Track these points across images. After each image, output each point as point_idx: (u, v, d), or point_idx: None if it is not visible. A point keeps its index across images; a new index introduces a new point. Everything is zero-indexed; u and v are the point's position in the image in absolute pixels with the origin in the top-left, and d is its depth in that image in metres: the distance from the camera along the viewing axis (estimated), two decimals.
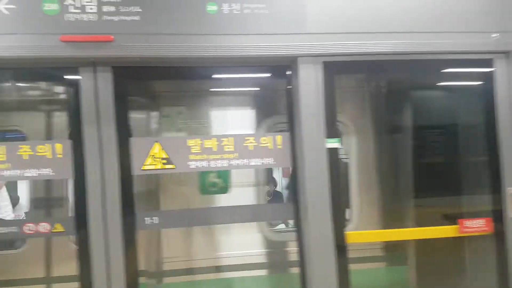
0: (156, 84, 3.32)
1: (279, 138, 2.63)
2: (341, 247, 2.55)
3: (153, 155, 2.52)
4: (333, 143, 2.57)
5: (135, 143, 2.51)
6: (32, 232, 2.44)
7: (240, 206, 2.77)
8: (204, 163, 2.55)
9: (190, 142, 2.55)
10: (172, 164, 2.53)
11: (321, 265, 2.50)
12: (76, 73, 2.43)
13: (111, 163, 2.44)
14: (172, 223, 2.67)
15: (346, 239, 2.59)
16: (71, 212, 2.47)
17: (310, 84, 2.52)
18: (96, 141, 2.43)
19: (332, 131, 2.58)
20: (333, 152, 2.58)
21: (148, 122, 3.32)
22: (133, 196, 2.53)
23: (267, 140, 2.62)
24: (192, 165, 2.54)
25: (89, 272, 2.40)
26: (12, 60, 2.29)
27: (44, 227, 2.45)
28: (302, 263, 2.61)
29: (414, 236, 2.85)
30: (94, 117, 2.43)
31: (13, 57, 2.25)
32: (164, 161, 2.53)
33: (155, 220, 2.54)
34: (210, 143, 2.56)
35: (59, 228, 2.47)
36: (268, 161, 2.63)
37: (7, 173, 2.40)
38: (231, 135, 2.60)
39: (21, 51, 2.25)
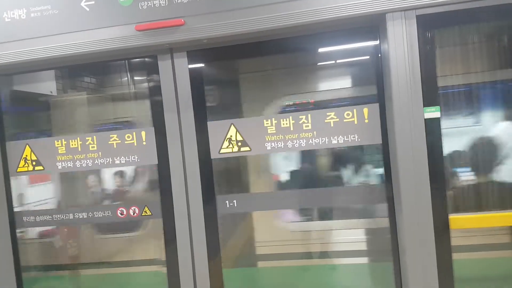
0: (237, 65, 3.22)
1: (365, 111, 2.30)
2: (443, 233, 2.13)
3: (229, 138, 2.44)
4: (432, 113, 2.13)
5: (212, 127, 2.45)
6: (123, 215, 2.61)
7: (325, 188, 2.54)
8: (280, 144, 2.37)
9: (266, 122, 2.39)
10: (247, 146, 2.41)
11: (419, 254, 2.13)
12: (155, 60, 2.46)
13: (190, 147, 2.44)
14: (253, 206, 2.57)
15: (449, 224, 2.15)
16: (158, 197, 2.54)
17: (401, 45, 2.11)
18: (177, 127, 2.44)
19: (432, 98, 2.13)
20: (433, 123, 2.14)
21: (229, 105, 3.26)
22: (213, 180, 2.50)
23: (351, 114, 2.31)
24: (269, 146, 2.39)
25: (175, 254, 2.47)
26: (94, 54, 2.41)
27: (134, 211, 2.59)
28: (396, 252, 2.27)
29: None
30: (174, 103, 2.44)
31: (95, 51, 2.37)
32: (240, 143, 2.42)
33: (235, 203, 2.47)
34: (286, 122, 2.37)
35: (147, 211, 2.58)
36: (353, 138, 2.32)
37: (98, 161, 2.59)
38: (309, 112, 2.36)
39: (102, 44, 2.34)
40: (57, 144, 2.61)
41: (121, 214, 2.60)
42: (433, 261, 2.13)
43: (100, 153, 2.57)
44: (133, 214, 2.59)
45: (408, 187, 2.14)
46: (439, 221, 2.13)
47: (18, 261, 2.74)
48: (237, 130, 2.42)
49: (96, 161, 2.57)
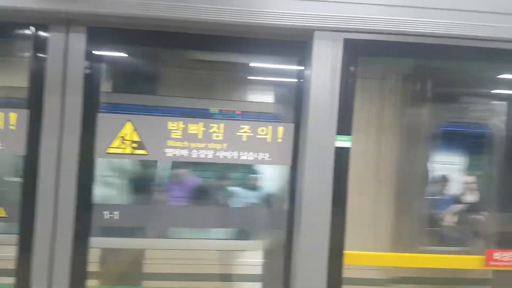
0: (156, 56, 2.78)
1: (280, 129, 2.14)
2: (336, 267, 2.07)
3: (122, 136, 2.04)
4: (344, 142, 2.07)
5: (103, 120, 2.03)
6: None
7: (219, 207, 2.31)
8: (184, 152, 2.07)
9: (171, 125, 2.07)
10: (144, 149, 2.05)
11: (309, 282, 2.03)
12: (45, 30, 1.96)
13: (71, 141, 1.98)
14: (135, 220, 2.20)
15: (343, 259, 2.10)
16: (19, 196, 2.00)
17: (325, 66, 2.02)
18: (58, 114, 1.96)
19: (346, 127, 2.08)
20: (342, 152, 2.08)
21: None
22: (92, 184, 2.06)
23: (265, 131, 2.13)
24: (169, 153, 2.06)
25: (28, 268, 1.95)
26: None
27: None
28: (287, 277, 2.15)
29: (429, 263, 2.35)
30: (60, 85, 1.96)
31: None
32: (135, 144, 2.05)
33: (117, 215, 2.07)
34: (195, 128, 2.08)
35: (1, 212, 2.01)
36: (263, 156, 2.14)
37: None
38: (222, 120, 2.12)
39: None
40: None
41: None
42: None
43: None
44: None
45: (309, 214, 2.04)
46: (334, 255, 2.06)
47: None
48: (134, 129, 2.05)
49: None
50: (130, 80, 2.38)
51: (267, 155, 2.13)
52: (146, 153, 2.06)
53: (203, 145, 2.07)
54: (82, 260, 2.04)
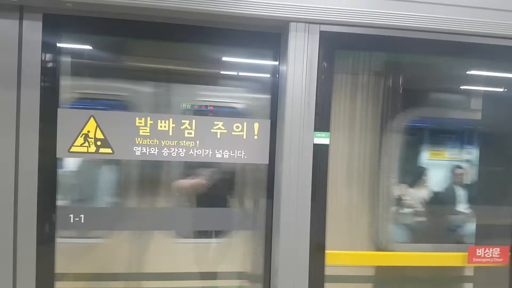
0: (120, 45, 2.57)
1: (256, 125, 2.05)
2: (317, 268, 2.01)
3: (86, 134, 1.89)
4: (322, 138, 2.00)
5: (64, 115, 1.87)
6: None
7: (186, 209, 2.20)
8: (153, 151, 1.94)
9: (139, 121, 1.93)
10: (110, 147, 1.90)
11: (289, 283, 1.95)
12: None
13: (29, 140, 1.81)
14: (107, 224, 2.04)
15: (324, 259, 2.04)
16: None
17: (301, 60, 1.93)
18: (13, 109, 1.78)
19: (324, 123, 2.01)
20: (321, 149, 2.01)
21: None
22: (55, 186, 1.90)
23: (240, 127, 2.03)
24: (138, 151, 1.92)
25: None
26: None
27: None
28: (267, 279, 2.07)
29: (412, 261, 2.32)
30: (14, 77, 1.78)
31: None
32: (99, 142, 1.90)
33: (82, 218, 1.92)
34: (164, 125, 1.95)
35: None
36: (239, 154, 2.04)
37: None
38: (194, 116, 2.00)
39: None
40: None
41: None
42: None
43: None
44: None
45: (288, 213, 1.95)
46: (315, 254, 1.99)
47: None
48: (98, 125, 1.89)
49: None
50: (92, 72, 2.19)
51: (243, 152, 2.03)
52: (111, 151, 1.91)
53: (174, 142, 1.95)
54: (48, 263, 1.88)
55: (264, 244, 2.11)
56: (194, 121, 1.97)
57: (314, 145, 1.98)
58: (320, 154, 2.00)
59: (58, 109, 1.86)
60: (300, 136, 1.95)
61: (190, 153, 1.96)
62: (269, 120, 2.06)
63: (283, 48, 2.00)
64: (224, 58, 2.34)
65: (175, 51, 2.36)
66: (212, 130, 1.99)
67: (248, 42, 2.08)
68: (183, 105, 2.20)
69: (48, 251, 1.87)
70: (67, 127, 1.86)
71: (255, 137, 2.04)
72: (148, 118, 1.93)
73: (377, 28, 1.95)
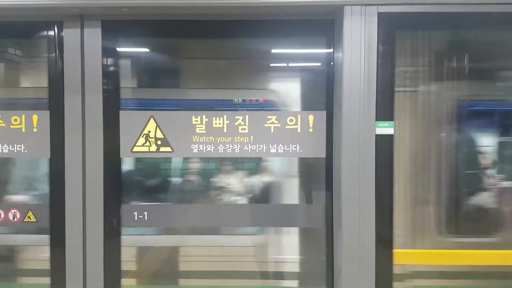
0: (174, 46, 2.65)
1: (311, 118, 1.97)
2: (385, 267, 1.88)
3: (147, 134, 1.97)
4: (385, 128, 1.86)
5: (126, 117, 1.97)
6: (1, 219, 2.02)
7: (251, 205, 2.18)
8: (210, 148, 1.96)
9: (195, 119, 1.97)
10: (169, 146, 1.97)
11: (354, 284, 1.86)
12: (60, 28, 1.92)
13: (94, 141, 1.94)
14: (170, 220, 2.12)
15: (393, 258, 1.91)
16: (48, 200, 2.00)
17: (358, 45, 1.81)
18: (79, 113, 1.92)
19: (387, 111, 1.87)
20: (385, 140, 1.87)
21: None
22: (120, 185, 2.02)
23: (294, 121, 1.97)
24: (195, 149, 1.97)
25: (63, 274, 1.95)
26: None
27: (14, 214, 2.02)
28: (331, 280, 1.99)
29: (496, 260, 2.06)
30: (79, 83, 1.92)
31: None
32: (159, 142, 1.97)
33: (145, 216, 2.01)
34: (219, 122, 1.97)
35: (31, 217, 2.02)
36: (294, 148, 1.98)
37: None
38: (247, 112, 1.99)
39: None
40: None
41: None
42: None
43: None
44: (13, 218, 2.02)
45: (350, 211, 1.85)
46: (381, 253, 1.87)
47: None
48: (157, 125, 1.97)
49: None
50: (150, 74, 2.29)
51: (298, 146, 1.97)
52: (171, 150, 1.97)
53: (229, 139, 1.96)
54: (115, 259, 2.01)
55: (325, 243, 2.03)
56: (247, 116, 1.96)
57: (377, 135, 1.85)
58: (384, 145, 1.86)
59: (120, 112, 1.96)
60: (360, 127, 1.83)
61: (244, 149, 1.96)
62: (325, 112, 1.97)
63: (337, 34, 1.90)
64: (275, 50, 2.29)
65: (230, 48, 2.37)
66: (265, 125, 1.96)
67: (299, 31, 2.00)
68: (235, 100, 2.19)
69: (114, 248, 2.00)
70: (129, 128, 1.96)
71: (310, 130, 1.97)
72: (204, 116, 1.96)
73: (440, 5, 1.76)
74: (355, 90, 1.82)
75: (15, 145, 1.96)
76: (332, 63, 1.96)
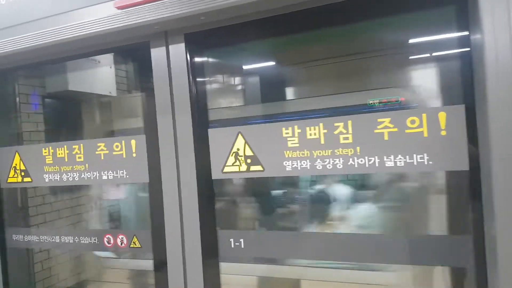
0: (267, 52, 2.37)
1: (442, 116, 1.43)
2: None
3: (236, 152, 1.75)
4: None
5: (215, 136, 1.79)
6: (111, 245, 2.07)
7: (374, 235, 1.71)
8: (305, 164, 1.61)
9: (286, 132, 1.65)
10: (259, 164, 1.70)
11: None
12: (147, 49, 1.88)
13: (187, 163, 1.82)
14: (269, 250, 1.81)
15: None
16: (148, 224, 1.97)
17: (504, 21, 1.24)
18: (171, 135, 1.84)
19: None
20: None
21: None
22: (214, 208, 1.84)
23: (417, 122, 1.46)
24: (288, 166, 1.64)
25: None
26: (70, 43, 1.88)
27: (121, 240, 2.04)
28: None
29: None
30: (168, 102, 1.84)
31: (69, 39, 1.84)
32: (249, 160, 1.72)
33: (242, 243, 1.77)
34: (314, 132, 1.60)
35: (136, 243, 2.01)
36: (420, 159, 1.46)
37: (85, 175, 2.09)
38: (349, 116, 1.57)
39: (79, 28, 1.81)
40: (44, 152, 2.18)
41: (108, 242, 2.08)
42: None
43: (86, 165, 2.07)
44: (121, 244, 2.04)
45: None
46: None
47: None
48: (245, 141, 1.73)
49: (83, 175, 2.08)
50: (239, 83, 2.06)
51: (425, 156, 1.45)
52: (262, 169, 1.70)
53: (327, 152, 1.57)
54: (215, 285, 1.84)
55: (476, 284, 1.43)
56: (350, 122, 1.54)
57: None
58: None
59: (209, 130, 1.80)
60: None
61: (349, 163, 1.54)
62: (462, 106, 1.40)
63: (472, 14, 1.34)
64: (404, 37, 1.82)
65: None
66: (375, 131, 1.51)
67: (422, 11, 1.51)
68: (370, 102, 1.78)
69: (213, 273, 1.81)
70: (219, 148, 1.78)
71: (442, 132, 1.42)
72: (296, 127, 1.63)
73: None
74: (504, 77, 1.24)
75: (118, 171, 1.99)
76: (469, 48, 1.40)
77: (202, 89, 1.84)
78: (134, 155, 1.95)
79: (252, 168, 1.71)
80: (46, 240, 2.25)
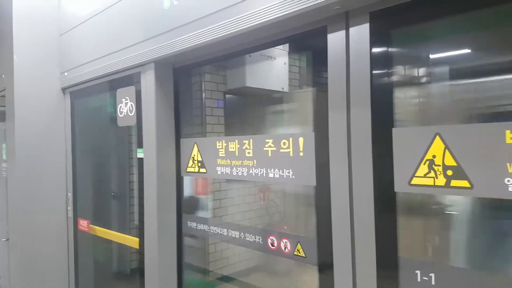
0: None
1: None
2: None
3: (430, 160, 1.34)
4: None
5: (401, 137, 1.42)
6: (274, 248, 1.93)
7: None
8: None
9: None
10: (466, 179, 1.24)
11: None
12: (323, 36, 1.65)
13: (362, 170, 1.50)
14: None
15: None
16: (312, 232, 1.75)
17: None
18: (344, 134, 1.56)
19: None
20: None
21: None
22: (395, 231, 1.46)
23: None
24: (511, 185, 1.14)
25: None
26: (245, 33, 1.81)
27: (285, 245, 1.87)
28: None
29: None
30: (344, 96, 1.56)
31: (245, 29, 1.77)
32: (450, 172, 1.28)
33: (432, 279, 1.35)
34: None
35: (300, 251, 1.81)
36: None
37: (252, 171, 2.02)
38: None
39: (253, 18, 1.71)
40: (218, 145, 2.21)
41: (272, 245, 1.95)
42: None
43: (255, 161, 1.99)
44: (285, 249, 1.88)
45: None
46: None
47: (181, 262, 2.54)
48: (446, 146, 1.29)
49: (251, 171, 2.01)
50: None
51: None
52: (469, 185, 1.24)
53: None
54: None
55: None
56: None
57: None
58: None
59: (393, 129, 1.43)
60: None
61: None
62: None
63: None
64: None
65: None
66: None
67: None
68: None
69: None
70: (406, 152, 1.40)
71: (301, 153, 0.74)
72: None
73: None
74: None
75: (284, 170, 1.82)
76: None
77: (386, 80, 1.48)
78: (301, 154, 1.75)
79: (454, 183, 1.27)
80: (215, 231, 2.29)
